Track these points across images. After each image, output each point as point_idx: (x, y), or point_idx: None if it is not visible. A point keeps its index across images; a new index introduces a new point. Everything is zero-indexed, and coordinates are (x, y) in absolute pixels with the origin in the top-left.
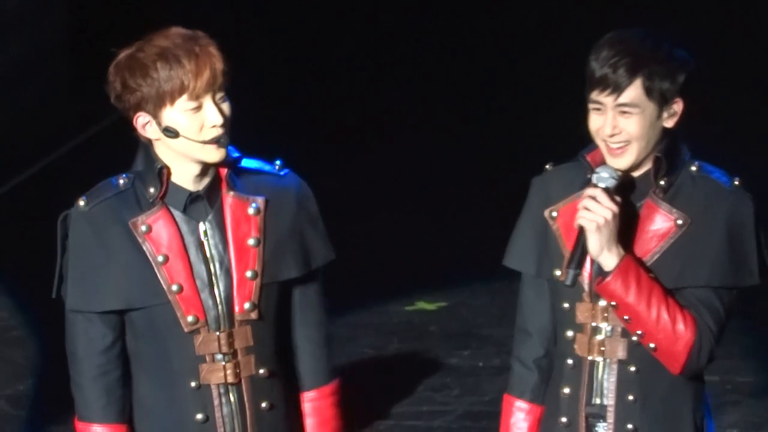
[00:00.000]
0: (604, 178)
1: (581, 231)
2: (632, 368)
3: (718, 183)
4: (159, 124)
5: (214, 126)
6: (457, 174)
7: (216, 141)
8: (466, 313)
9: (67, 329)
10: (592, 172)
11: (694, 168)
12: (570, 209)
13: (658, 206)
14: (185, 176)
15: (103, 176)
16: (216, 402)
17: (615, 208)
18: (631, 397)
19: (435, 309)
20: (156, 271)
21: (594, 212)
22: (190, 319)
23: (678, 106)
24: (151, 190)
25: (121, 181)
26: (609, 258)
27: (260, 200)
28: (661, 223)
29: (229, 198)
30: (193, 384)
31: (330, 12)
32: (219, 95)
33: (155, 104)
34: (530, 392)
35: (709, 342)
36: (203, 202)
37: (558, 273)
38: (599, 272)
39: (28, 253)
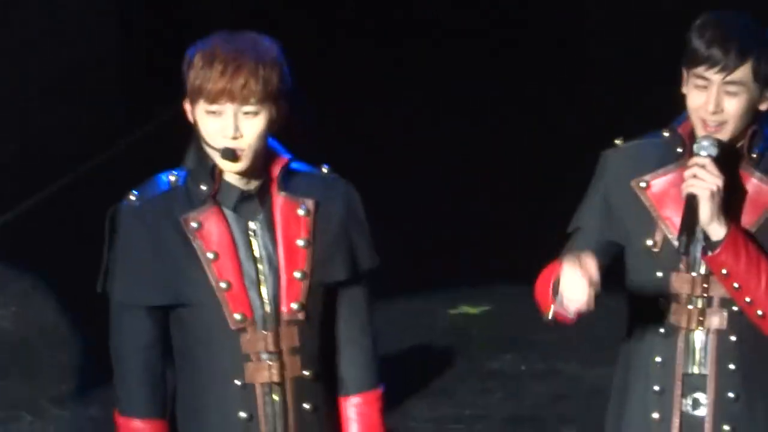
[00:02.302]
0: (706, 146)
1: (691, 199)
2: (732, 338)
3: None
4: (193, 116)
5: (224, 136)
6: (505, 174)
7: (222, 151)
8: (509, 318)
9: (111, 323)
10: (685, 144)
11: None
12: (664, 182)
13: (753, 177)
14: (233, 175)
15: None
16: (260, 401)
17: (722, 177)
18: (732, 366)
19: (478, 313)
20: (205, 267)
21: (706, 180)
22: (237, 316)
23: None
24: (203, 187)
25: (172, 178)
26: (718, 227)
27: (310, 202)
28: (758, 193)
29: (279, 198)
30: (238, 382)
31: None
32: (246, 109)
33: (191, 97)
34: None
35: None
36: (254, 201)
37: (650, 243)
38: (706, 243)
39: (72, 253)
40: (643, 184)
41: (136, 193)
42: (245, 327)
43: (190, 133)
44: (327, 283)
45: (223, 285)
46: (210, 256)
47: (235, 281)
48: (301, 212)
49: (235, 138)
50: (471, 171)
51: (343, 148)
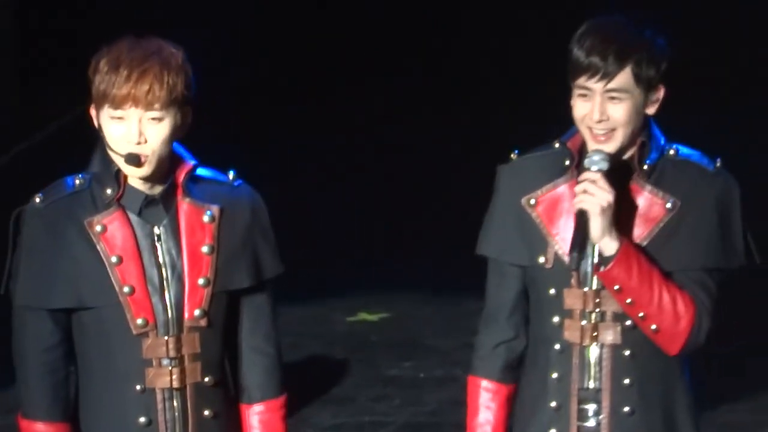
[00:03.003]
0: (597, 161)
1: (581, 215)
2: (626, 353)
3: (701, 166)
4: (98, 122)
5: (128, 141)
6: (402, 183)
7: (125, 156)
8: (408, 324)
9: (14, 326)
10: (573, 157)
11: (672, 152)
12: (551, 197)
13: (644, 190)
14: (137, 179)
15: (52, 180)
16: (160, 406)
17: (613, 191)
18: (627, 381)
19: (376, 320)
20: (109, 271)
21: (596, 196)
22: (139, 321)
23: (660, 93)
24: (108, 191)
25: (77, 181)
26: (610, 242)
27: (215, 208)
28: (650, 207)
29: (184, 204)
30: (138, 387)
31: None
32: (150, 115)
33: (96, 102)
34: (497, 372)
35: (708, 321)
36: (159, 206)
37: (542, 260)
38: (598, 259)
39: None
40: (532, 201)
41: (40, 195)
42: (147, 332)
43: (85, 137)
44: (230, 290)
45: (126, 289)
46: (113, 259)
47: (138, 286)
48: (205, 219)
49: (139, 143)
50: (368, 179)
51: (243, 153)
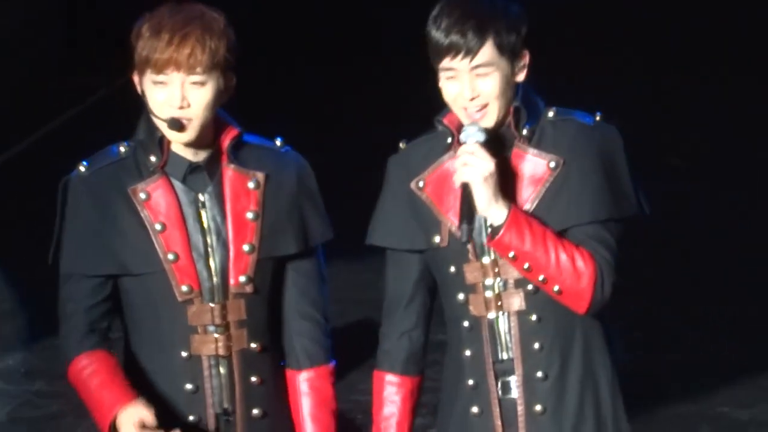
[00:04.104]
0: (473, 133)
1: (465, 187)
2: (533, 317)
3: (580, 122)
4: (141, 87)
5: (171, 105)
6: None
7: (168, 121)
8: None
9: (60, 292)
10: (453, 135)
11: (551, 114)
12: (438, 176)
13: (527, 153)
14: (181, 146)
15: (96, 149)
16: (206, 373)
17: (493, 160)
18: (536, 346)
19: None
20: (153, 238)
21: (475, 166)
22: (184, 288)
23: (525, 59)
24: (152, 158)
25: (122, 149)
26: (498, 210)
27: (260, 175)
28: (534, 169)
29: (229, 171)
30: (184, 354)
31: None
32: (192, 79)
33: (139, 68)
34: (400, 365)
35: (610, 274)
36: (203, 173)
37: (437, 240)
38: (489, 229)
39: (17, 227)
40: (421, 184)
41: (85, 163)
42: (192, 299)
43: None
44: (276, 256)
45: (170, 256)
46: (157, 227)
47: (182, 253)
48: (251, 185)
49: (181, 108)
50: None
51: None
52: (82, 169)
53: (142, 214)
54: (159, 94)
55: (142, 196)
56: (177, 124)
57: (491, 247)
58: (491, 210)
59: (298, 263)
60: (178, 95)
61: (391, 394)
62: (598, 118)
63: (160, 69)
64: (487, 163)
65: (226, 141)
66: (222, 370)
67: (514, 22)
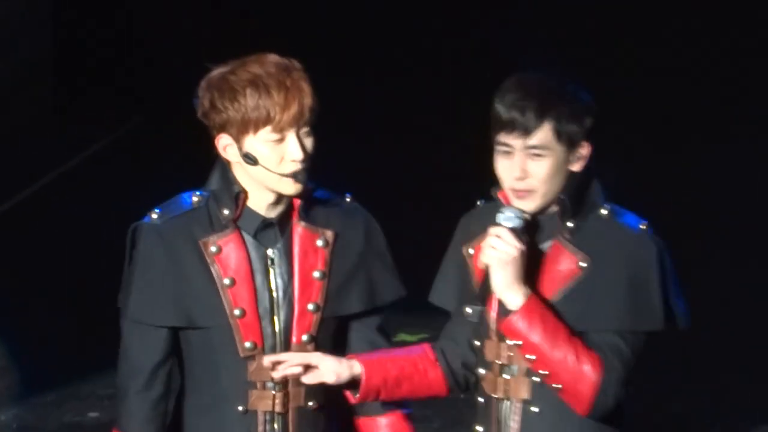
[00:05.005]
0: (509, 217)
1: (487, 269)
2: (535, 409)
3: (624, 227)
4: (240, 148)
5: (293, 161)
6: (445, 196)
7: (293, 175)
8: None
9: (123, 339)
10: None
11: (605, 211)
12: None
13: (565, 248)
14: (260, 202)
15: (91, 203)
16: (261, 428)
17: (520, 246)
18: None
19: (416, 341)
20: (221, 292)
21: (498, 250)
22: (247, 344)
23: (585, 150)
24: (226, 211)
25: (195, 199)
26: (513, 296)
27: (330, 233)
28: (565, 264)
29: (299, 228)
30: (240, 408)
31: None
32: (304, 130)
33: (239, 129)
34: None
35: (617, 383)
36: (274, 229)
37: (469, 310)
38: (504, 311)
39: (9, 281)
40: (471, 251)
41: (158, 210)
42: (254, 355)
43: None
44: (341, 315)
45: (237, 312)
46: (226, 281)
47: (249, 309)
48: (320, 243)
49: (303, 161)
50: (414, 186)
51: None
52: (154, 216)
53: (212, 268)
54: (276, 151)
55: (213, 249)
56: (302, 178)
57: (500, 330)
58: (507, 295)
59: (367, 319)
60: (299, 150)
61: None
62: (642, 226)
63: (282, 127)
64: (510, 250)
65: (299, 198)
66: (276, 426)
67: (579, 111)
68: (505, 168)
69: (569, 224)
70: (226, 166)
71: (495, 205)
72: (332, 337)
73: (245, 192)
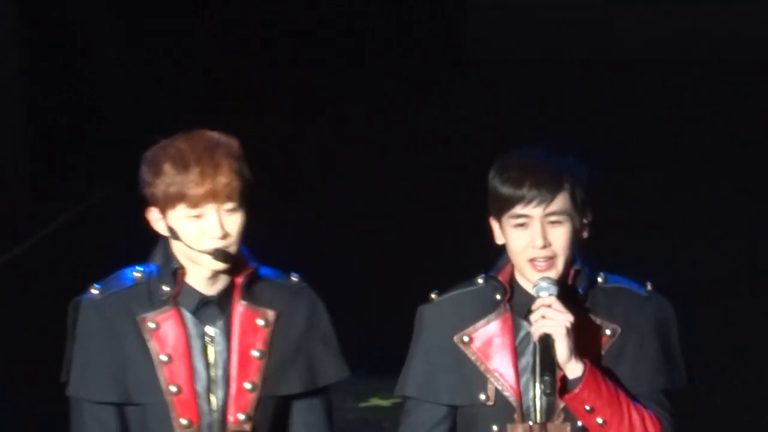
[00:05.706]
0: (546, 287)
1: (545, 340)
2: None
3: (632, 291)
4: (166, 223)
5: (211, 237)
6: (405, 262)
7: (212, 252)
8: None
9: (72, 415)
10: (506, 290)
11: (600, 279)
12: (486, 333)
13: (581, 318)
14: (197, 279)
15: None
16: None
17: (571, 313)
18: None
19: (390, 405)
20: (157, 369)
21: (556, 319)
22: (183, 422)
23: (590, 217)
24: (165, 288)
25: (137, 274)
26: (576, 364)
27: (271, 313)
28: (591, 334)
29: (240, 307)
30: None
31: None
32: (227, 206)
33: (162, 204)
34: None
35: None
36: (215, 306)
37: (483, 397)
38: (547, 386)
39: None
40: (465, 339)
41: (98, 286)
42: None
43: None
44: (279, 395)
45: (173, 389)
46: (163, 358)
47: (185, 386)
48: (260, 323)
49: (222, 237)
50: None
51: None
52: (94, 291)
53: (149, 344)
54: (194, 228)
55: (151, 325)
56: (222, 255)
57: (566, 402)
58: (570, 363)
59: (307, 401)
60: (216, 226)
61: None
62: (649, 287)
63: (196, 203)
64: (567, 315)
65: (241, 277)
66: None
67: (584, 180)
68: (524, 239)
69: (580, 294)
70: (167, 241)
71: (469, 292)
72: (272, 417)
73: (183, 269)
